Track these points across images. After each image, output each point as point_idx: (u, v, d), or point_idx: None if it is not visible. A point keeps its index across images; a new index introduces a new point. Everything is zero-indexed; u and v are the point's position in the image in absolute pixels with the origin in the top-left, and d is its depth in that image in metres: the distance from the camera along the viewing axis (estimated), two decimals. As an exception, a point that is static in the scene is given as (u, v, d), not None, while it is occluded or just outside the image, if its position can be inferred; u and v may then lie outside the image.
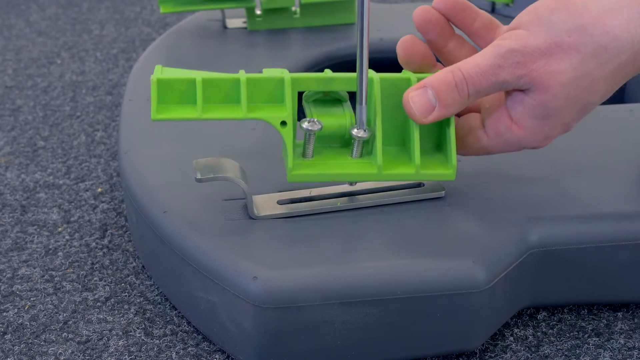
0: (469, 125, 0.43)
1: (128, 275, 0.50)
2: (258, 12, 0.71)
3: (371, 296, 0.39)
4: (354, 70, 0.42)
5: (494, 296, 0.40)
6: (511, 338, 0.44)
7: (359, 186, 0.45)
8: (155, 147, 0.51)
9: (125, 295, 0.48)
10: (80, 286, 0.49)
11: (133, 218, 0.49)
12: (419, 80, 0.42)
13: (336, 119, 0.43)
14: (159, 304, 0.47)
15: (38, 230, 0.54)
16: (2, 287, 0.49)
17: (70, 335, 0.45)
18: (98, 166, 0.62)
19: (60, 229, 0.54)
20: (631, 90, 0.65)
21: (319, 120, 0.41)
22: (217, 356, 0.43)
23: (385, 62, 0.70)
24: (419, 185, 0.45)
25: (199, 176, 0.41)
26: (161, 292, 0.48)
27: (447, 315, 0.40)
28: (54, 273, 0.50)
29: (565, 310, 0.46)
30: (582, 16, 0.39)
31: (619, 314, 0.46)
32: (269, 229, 0.42)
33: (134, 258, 0.51)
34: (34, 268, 0.50)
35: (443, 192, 0.45)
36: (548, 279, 0.44)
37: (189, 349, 0.43)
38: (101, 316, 0.46)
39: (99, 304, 0.47)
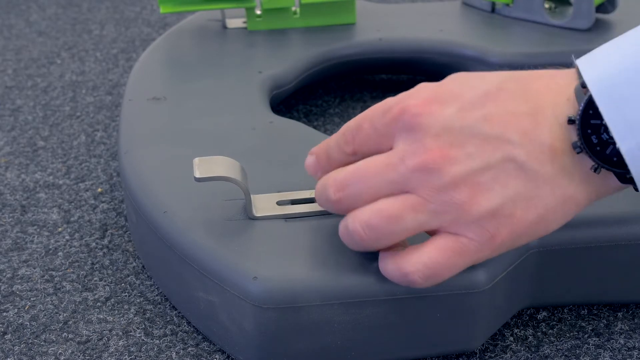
0: None
1: (128, 275, 0.50)
2: (258, 12, 0.71)
3: (371, 296, 0.39)
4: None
5: (494, 296, 0.40)
6: (511, 338, 0.44)
7: None
8: (155, 147, 0.51)
9: (125, 295, 0.48)
10: (80, 286, 0.49)
11: (133, 218, 0.49)
12: None
13: None
14: (159, 304, 0.47)
15: (38, 230, 0.54)
16: (2, 287, 0.49)
17: (70, 335, 0.45)
18: (98, 166, 0.62)
19: (60, 229, 0.54)
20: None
21: None
22: (217, 356, 0.43)
23: (385, 62, 0.70)
24: None
25: (198, 175, 0.41)
26: (161, 292, 0.48)
27: (447, 315, 0.40)
28: (54, 273, 0.50)
29: (565, 310, 0.46)
30: None
31: (619, 314, 0.46)
32: (269, 229, 0.42)
33: (134, 258, 0.51)
34: (34, 268, 0.50)
35: None
36: (548, 279, 0.44)
37: (189, 349, 0.43)
38: (101, 316, 0.46)
39: (99, 304, 0.47)
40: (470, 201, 0.35)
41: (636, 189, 0.36)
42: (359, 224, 0.37)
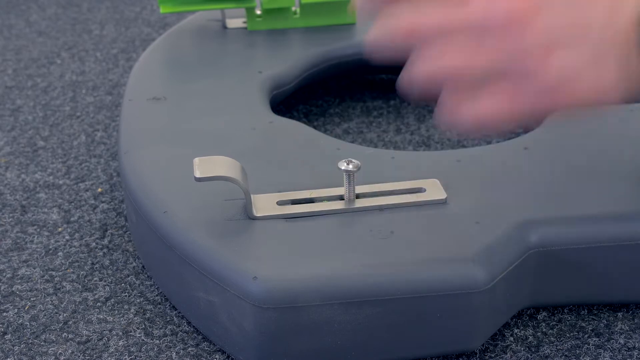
0: None
1: (128, 275, 0.50)
2: (258, 12, 0.71)
3: (371, 296, 0.39)
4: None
5: (494, 296, 0.40)
6: (511, 338, 0.44)
7: (360, 189, 0.45)
8: (155, 147, 0.51)
9: (125, 296, 0.48)
10: (80, 286, 0.49)
11: (133, 218, 0.49)
12: None
13: None
14: (159, 304, 0.47)
15: (38, 230, 0.54)
16: (2, 287, 0.49)
17: (70, 335, 0.45)
18: (98, 166, 0.62)
19: (60, 229, 0.54)
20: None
21: None
22: (217, 356, 0.43)
23: (385, 62, 0.70)
24: (420, 190, 0.45)
25: (198, 175, 0.41)
26: (161, 292, 0.48)
27: (447, 315, 0.40)
28: (54, 273, 0.50)
29: (565, 310, 0.46)
30: None
31: (619, 314, 0.46)
32: (269, 229, 0.42)
33: (134, 258, 0.51)
34: (34, 268, 0.50)
35: (444, 197, 0.45)
36: (548, 279, 0.44)
37: (189, 349, 0.43)
38: (101, 316, 0.46)
39: (99, 304, 0.47)
40: (544, 55, 0.37)
41: None
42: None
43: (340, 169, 0.43)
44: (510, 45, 0.37)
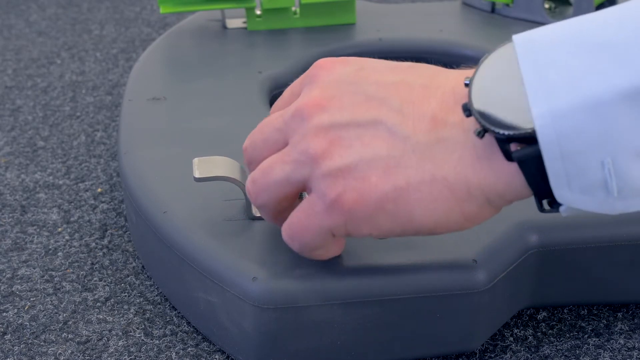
0: None
1: (128, 276, 0.50)
2: (258, 12, 0.71)
3: (371, 296, 0.39)
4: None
5: (494, 296, 0.40)
6: (511, 338, 0.44)
7: None
8: (155, 147, 0.51)
9: (125, 296, 0.48)
10: (80, 286, 0.49)
11: (133, 218, 0.49)
12: None
13: None
14: (159, 304, 0.47)
15: (38, 230, 0.54)
16: (2, 287, 0.49)
17: (70, 336, 0.45)
18: (98, 166, 0.62)
19: (60, 229, 0.54)
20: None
21: None
22: (217, 356, 0.43)
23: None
24: None
25: (197, 175, 0.41)
26: (161, 292, 0.48)
27: (447, 316, 0.40)
28: (53, 273, 0.50)
29: (565, 310, 0.46)
30: None
31: (619, 314, 0.46)
32: (269, 229, 0.42)
33: (134, 258, 0.51)
34: (34, 268, 0.50)
35: None
36: (548, 279, 0.44)
37: (189, 349, 0.43)
38: (101, 316, 0.46)
39: (98, 304, 0.47)
40: (324, 154, 0.34)
41: (531, 185, 0.32)
42: (249, 177, 0.38)
43: None
44: (294, 147, 0.35)
